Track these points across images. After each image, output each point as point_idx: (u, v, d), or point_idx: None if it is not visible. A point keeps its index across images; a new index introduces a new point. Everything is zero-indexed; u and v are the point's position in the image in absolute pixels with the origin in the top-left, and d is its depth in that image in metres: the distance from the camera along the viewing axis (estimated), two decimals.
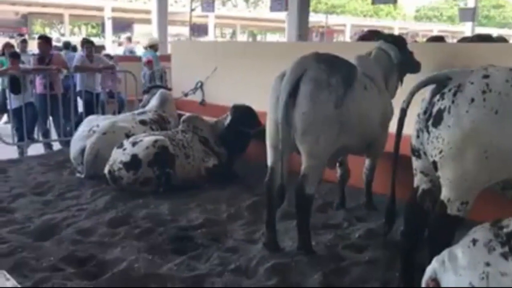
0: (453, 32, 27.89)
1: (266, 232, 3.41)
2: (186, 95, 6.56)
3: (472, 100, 2.45)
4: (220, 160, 5.00)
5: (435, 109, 2.55)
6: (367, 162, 4.09)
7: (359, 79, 3.38)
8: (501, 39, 6.64)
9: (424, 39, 12.74)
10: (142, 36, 20.29)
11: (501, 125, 2.42)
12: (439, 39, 7.40)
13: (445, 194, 2.55)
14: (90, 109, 7.47)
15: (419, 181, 2.76)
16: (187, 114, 5.31)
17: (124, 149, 4.58)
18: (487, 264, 2.12)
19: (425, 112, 2.62)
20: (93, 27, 31.62)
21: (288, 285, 2.86)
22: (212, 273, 2.99)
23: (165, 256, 3.25)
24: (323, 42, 17.35)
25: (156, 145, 4.55)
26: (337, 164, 4.15)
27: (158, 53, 10.88)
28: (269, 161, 3.36)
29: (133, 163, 4.47)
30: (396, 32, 22.48)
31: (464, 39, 7.30)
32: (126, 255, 3.21)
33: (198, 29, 26.46)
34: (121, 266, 3.06)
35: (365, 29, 9.24)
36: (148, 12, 17.92)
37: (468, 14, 14.66)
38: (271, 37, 33.95)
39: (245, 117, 5.03)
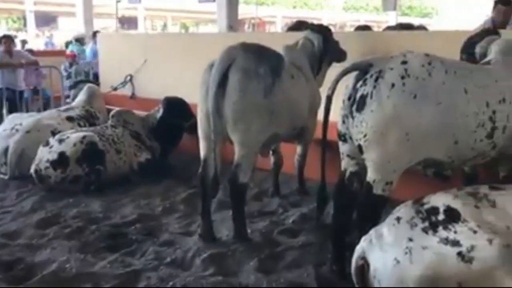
0: (378, 22, 28.91)
1: (202, 223, 3.41)
2: (115, 89, 6.39)
3: (393, 85, 2.57)
4: (153, 154, 4.92)
5: (358, 95, 2.65)
6: (298, 149, 4.18)
7: (286, 68, 3.44)
8: (421, 28, 7.01)
9: (352, 29, 13.18)
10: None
11: (420, 108, 2.56)
12: (365, 28, 7.69)
13: (370, 175, 2.67)
14: (13, 107, 7.09)
15: (346, 164, 2.87)
16: (117, 108, 5.17)
17: (51, 147, 4.39)
18: (410, 240, 2.24)
19: (349, 98, 2.71)
20: (14, 21, 29.88)
21: (224, 274, 2.88)
22: (147, 268, 2.95)
23: (97, 254, 3.16)
24: (253, 32, 17.46)
25: (84, 142, 4.40)
26: (270, 152, 4.22)
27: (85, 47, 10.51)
28: (202, 153, 3.35)
29: (61, 161, 4.30)
30: (325, 22, 23.01)
31: (388, 28, 7.62)
32: (57, 256, 3.10)
33: (128, 22, 25.74)
34: (51, 268, 2.95)
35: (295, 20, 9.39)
36: (72, 5, 17.21)
37: (390, 4, 15.29)
38: (204, 29, 33.64)
39: (177, 110, 4.97)
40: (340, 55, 4.19)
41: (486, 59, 3.18)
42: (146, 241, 3.36)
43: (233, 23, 10.40)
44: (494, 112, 2.73)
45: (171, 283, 2.77)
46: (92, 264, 3.02)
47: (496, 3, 5.20)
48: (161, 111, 5.01)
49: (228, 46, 3.25)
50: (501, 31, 3.56)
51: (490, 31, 3.42)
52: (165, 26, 33.31)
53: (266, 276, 2.82)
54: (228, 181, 3.27)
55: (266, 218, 3.76)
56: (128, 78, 6.36)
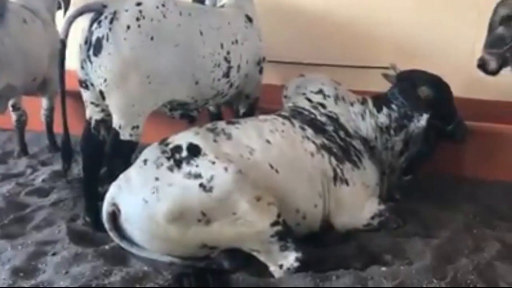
0: None
1: None
2: None
3: (128, 27, 2.51)
4: None
5: (94, 38, 2.52)
6: (44, 102, 3.86)
7: (15, 11, 3.07)
8: None
9: None
10: None
11: (157, 50, 2.57)
12: None
13: (115, 121, 2.62)
14: None
15: (91, 112, 2.75)
16: None
17: None
18: (157, 179, 2.29)
19: (86, 42, 2.56)
20: None
21: None
22: None
23: None
24: None
25: None
26: (10, 108, 3.78)
27: None
28: None
29: None
30: None
31: None
32: None
33: None
34: None
35: None
36: None
37: None
38: None
39: None
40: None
41: (221, 3, 3.38)
42: None
43: None
44: (228, 52, 2.93)
45: None
46: None
47: None
48: None
49: None
50: None
51: None
52: None
53: (11, 241, 2.57)
54: None
55: (11, 181, 3.40)
56: None
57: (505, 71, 3.08)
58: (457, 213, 2.89)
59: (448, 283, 2.16)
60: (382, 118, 2.91)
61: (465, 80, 3.57)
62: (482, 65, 3.11)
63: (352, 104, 2.96)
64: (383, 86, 3.09)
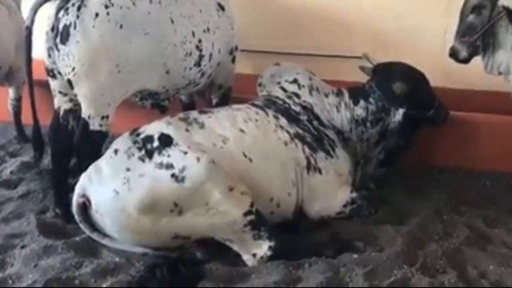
0: None
1: None
2: None
3: (97, 14, 2.45)
4: None
5: (61, 25, 2.46)
6: (11, 92, 3.75)
7: None
8: None
9: None
10: None
11: (127, 38, 2.52)
12: None
13: (85, 111, 2.56)
14: None
15: (59, 101, 2.69)
16: None
17: None
18: (128, 169, 2.26)
19: (52, 29, 2.50)
20: None
21: None
22: None
23: None
24: None
25: None
26: None
27: None
28: None
29: None
30: None
31: None
32: None
33: None
34: None
35: None
36: None
37: None
38: None
39: None
40: None
41: None
42: None
43: None
44: (200, 41, 2.89)
45: None
46: None
47: None
48: None
49: None
50: None
51: None
52: None
53: None
54: None
55: None
56: None
57: (476, 59, 3.12)
58: (427, 201, 2.93)
59: (418, 268, 2.20)
60: (359, 111, 2.90)
61: (436, 69, 3.60)
62: (453, 53, 3.14)
63: (326, 95, 2.95)
64: (357, 76, 3.09)
